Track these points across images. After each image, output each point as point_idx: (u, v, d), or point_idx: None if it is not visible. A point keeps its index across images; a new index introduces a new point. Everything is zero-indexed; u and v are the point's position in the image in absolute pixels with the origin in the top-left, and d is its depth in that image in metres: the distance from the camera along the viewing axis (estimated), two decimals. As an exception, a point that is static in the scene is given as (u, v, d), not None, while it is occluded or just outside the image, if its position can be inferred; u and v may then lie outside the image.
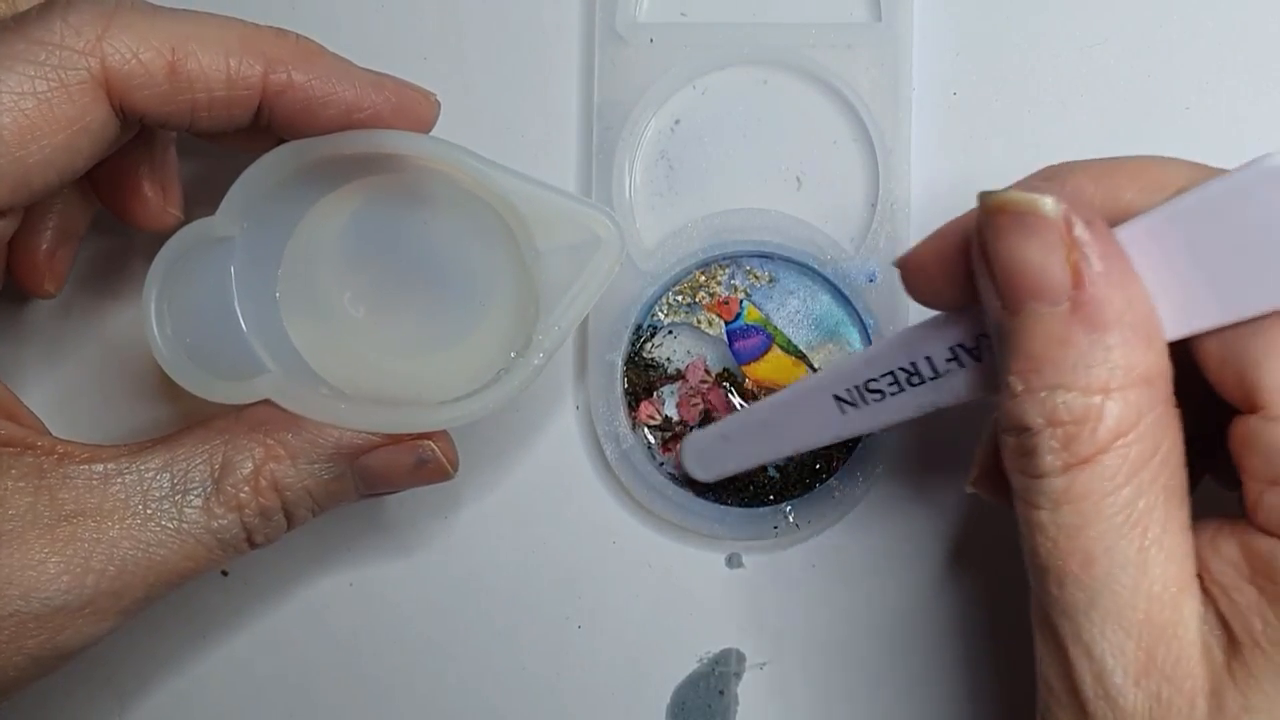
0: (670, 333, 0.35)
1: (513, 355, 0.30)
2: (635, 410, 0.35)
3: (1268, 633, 0.21)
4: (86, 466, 0.27)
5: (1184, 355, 0.23)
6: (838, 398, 0.29)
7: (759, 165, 0.35)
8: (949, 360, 0.26)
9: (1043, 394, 0.21)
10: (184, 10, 0.28)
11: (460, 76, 0.36)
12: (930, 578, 0.35)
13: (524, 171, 0.29)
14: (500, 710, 0.36)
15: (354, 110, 0.29)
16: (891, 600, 0.35)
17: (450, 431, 0.30)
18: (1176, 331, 0.22)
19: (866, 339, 0.34)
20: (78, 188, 0.32)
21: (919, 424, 0.34)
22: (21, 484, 0.27)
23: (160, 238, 0.29)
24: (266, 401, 0.29)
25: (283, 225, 0.31)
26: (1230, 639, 0.21)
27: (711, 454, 0.33)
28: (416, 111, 0.30)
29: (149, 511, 0.27)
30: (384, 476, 0.30)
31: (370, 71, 0.30)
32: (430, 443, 0.30)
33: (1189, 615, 0.22)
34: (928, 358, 0.27)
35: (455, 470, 0.31)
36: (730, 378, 0.35)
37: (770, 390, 0.34)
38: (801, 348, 0.35)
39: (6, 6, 0.31)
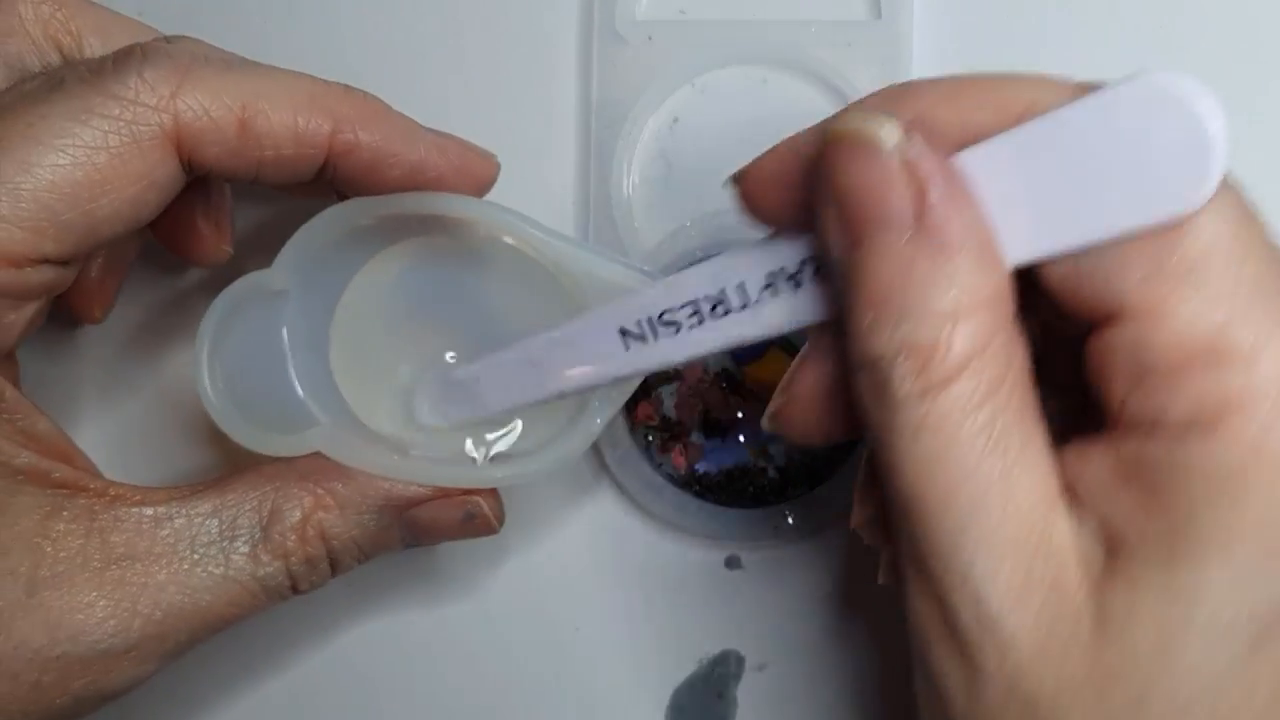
0: (669, 332, 0.35)
1: (565, 418, 0.30)
2: (633, 411, 0.35)
3: (1146, 535, 0.20)
4: (137, 510, 0.28)
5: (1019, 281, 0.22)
6: (624, 331, 0.27)
7: (758, 164, 0.35)
8: (765, 288, 0.25)
9: (891, 324, 0.21)
10: (255, 64, 0.29)
11: (459, 75, 0.36)
12: (931, 579, 0.35)
13: (554, 228, 0.29)
14: (500, 711, 0.36)
15: (417, 172, 0.29)
16: (891, 602, 0.35)
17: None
18: (1024, 256, 0.22)
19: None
20: None
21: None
22: (74, 526, 0.27)
23: (214, 273, 0.29)
24: (318, 452, 0.29)
25: (336, 280, 0.31)
26: (1108, 549, 0.21)
27: (453, 395, 0.31)
28: (477, 173, 0.30)
29: (196, 557, 0.27)
30: (431, 529, 0.30)
31: (434, 132, 0.30)
32: (479, 499, 0.30)
33: (1062, 529, 0.21)
34: (740, 284, 0.25)
35: (501, 525, 0.31)
36: (730, 378, 0.35)
37: (770, 391, 0.34)
38: (800, 347, 0.35)
39: (71, 41, 0.31)
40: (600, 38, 0.35)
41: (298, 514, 0.28)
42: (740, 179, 0.25)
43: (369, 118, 0.29)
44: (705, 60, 0.35)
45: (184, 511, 0.28)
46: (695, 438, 0.35)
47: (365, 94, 0.29)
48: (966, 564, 0.21)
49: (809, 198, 0.23)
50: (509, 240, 0.30)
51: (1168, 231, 0.20)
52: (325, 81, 0.29)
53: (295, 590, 0.29)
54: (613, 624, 0.35)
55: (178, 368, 0.37)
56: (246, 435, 0.29)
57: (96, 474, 0.29)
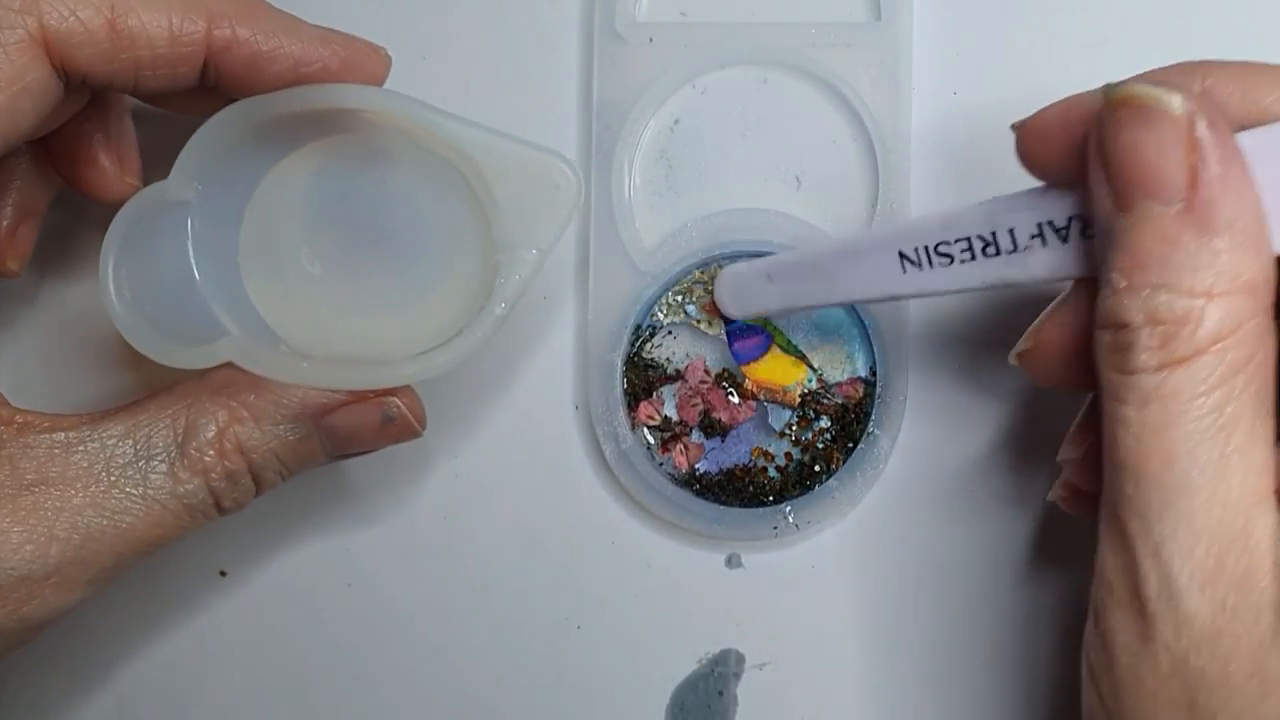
0: (670, 333, 0.35)
1: (480, 310, 0.29)
2: (635, 410, 0.35)
3: None
4: (47, 435, 0.27)
5: None
6: (903, 255, 0.28)
7: (759, 165, 0.35)
8: (1033, 236, 0.26)
9: (1145, 292, 0.21)
10: None
11: (460, 76, 0.36)
12: (930, 578, 0.35)
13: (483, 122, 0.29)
14: (500, 710, 0.36)
15: (301, 65, 0.28)
16: (891, 600, 0.35)
17: (420, 390, 0.30)
18: None
19: (866, 339, 0.34)
20: (35, 163, 0.32)
21: (919, 424, 0.35)
22: None
23: (119, 208, 0.29)
24: (229, 365, 0.28)
25: (240, 188, 0.30)
26: None
27: (750, 290, 0.32)
28: (366, 65, 0.30)
29: (113, 479, 0.27)
30: (351, 436, 0.30)
31: (318, 27, 0.29)
32: (395, 399, 0.29)
33: (1264, 527, 0.21)
34: (1010, 230, 0.26)
35: (423, 428, 0.30)
36: (730, 378, 0.35)
37: (770, 392, 0.34)
38: (801, 348, 0.35)
39: None
40: (601, 39, 0.35)
41: (213, 429, 0.28)
42: (1020, 128, 0.26)
43: (245, 12, 0.28)
44: (706, 61, 0.35)
45: (96, 435, 0.28)
46: (695, 437, 0.35)
47: None
48: (1165, 535, 0.21)
49: (1084, 155, 0.23)
50: (402, 126, 0.29)
51: None
52: None
53: (220, 508, 0.29)
54: (613, 623, 0.35)
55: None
56: (156, 348, 0.28)
57: (3, 402, 0.29)
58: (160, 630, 0.36)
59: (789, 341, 0.35)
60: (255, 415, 0.28)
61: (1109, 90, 0.22)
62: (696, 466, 0.35)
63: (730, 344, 0.35)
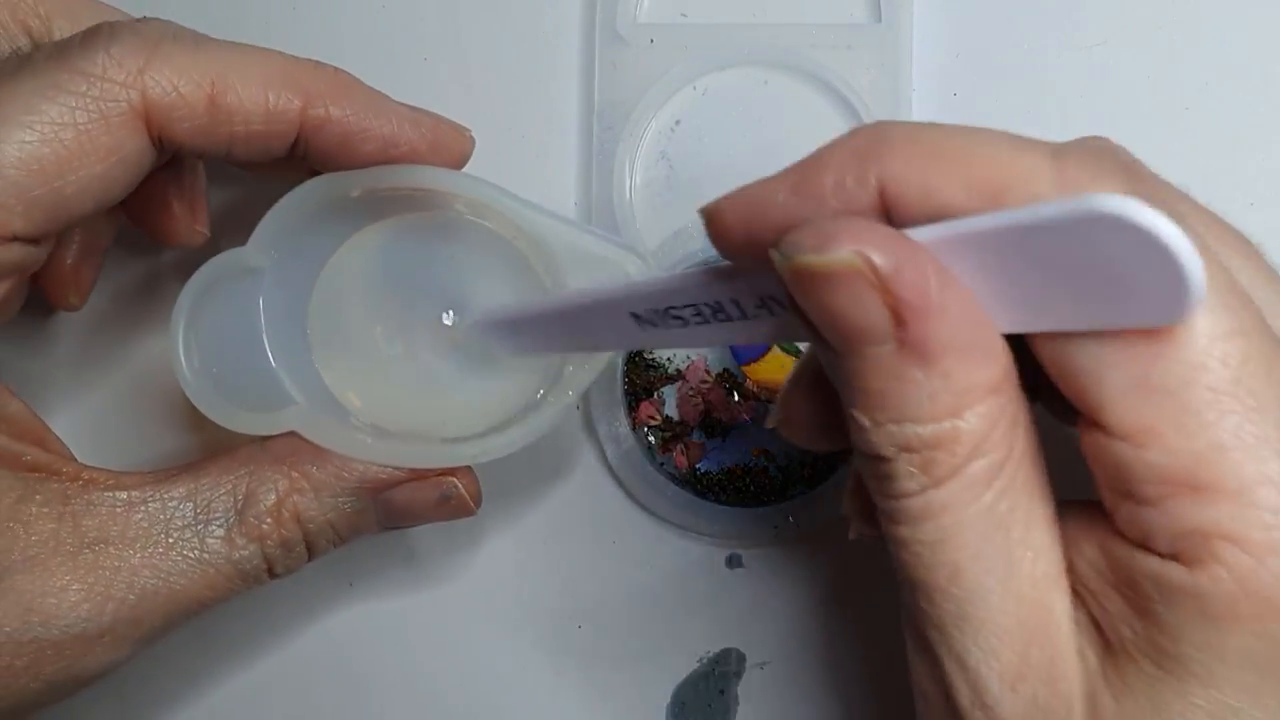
0: (670, 333, 0.35)
1: (539, 394, 0.30)
2: (635, 410, 0.35)
3: (1137, 643, 0.20)
4: (111, 494, 0.28)
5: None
6: (635, 315, 0.27)
7: (759, 165, 0.35)
8: (758, 307, 0.24)
9: (891, 427, 0.21)
10: (225, 42, 0.28)
11: (460, 77, 0.36)
12: (930, 578, 0.35)
13: (548, 207, 0.29)
14: (501, 710, 0.36)
15: (390, 146, 0.29)
16: (891, 600, 0.35)
17: (475, 468, 0.30)
18: (1007, 328, 0.21)
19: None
20: None
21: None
22: (46, 510, 0.27)
23: (189, 257, 0.29)
24: (292, 434, 0.29)
25: (313, 258, 0.31)
26: (1103, 644, 0.21)
27: (505, 332, 0.31)
28: (452, 148, 0.30)
29: (171, 540, 0.27)
30: (407, 511, 0.30)
31: (407, 106, 0.30)
32: (454, 479, 0.30)
33: (1060, 616, 0.21)
34: (735, 301, 0.25)
35: (478, 506, 0.31)
36: (730, 378, 0.35)
37: (772, 392, 0.34)
38: (801, 348, 0.35)
39: (40, 24, 0.31)
40: (602, 40, 0.35)
41: (273, 497, 0.28)
42: (710, 217, 0.24)
43: (340, 92, 0.28)
44: (707, 62, 0.35)
45: (158, 495, 0.28)
46: (696, 437, 0.35)
47: (336, 69, 0.29)
48: (967, 645, 0.21)
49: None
50: (486, 212, 0.30)
51: (1150, 342, 0.19)
52: (296, 57, 0.29)
53: (271, 574, 0.29)
54: (615, 622, 0.35)
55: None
56: (222, 413, 0.28)
57: (70, 458, 0.29)
58: (162, 629, 0.36)
59: (789, 341, 0.35)
60: (315, 486, 0.29)
61: (780, 262, 0.21)
62: (697, 466, 0.35)
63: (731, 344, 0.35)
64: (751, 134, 0.35)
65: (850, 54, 0.35)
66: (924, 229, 0.20)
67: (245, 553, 0.28)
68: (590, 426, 0.35)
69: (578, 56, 0.36)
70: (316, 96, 0.28)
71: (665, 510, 0.35)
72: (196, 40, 0.28)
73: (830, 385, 0.23)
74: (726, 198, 0.24)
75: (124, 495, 0.28)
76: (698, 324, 0.26)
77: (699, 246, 0.35)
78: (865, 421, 0.21)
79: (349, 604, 0.36)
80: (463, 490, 0.30)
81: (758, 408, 0.35)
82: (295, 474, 0.29)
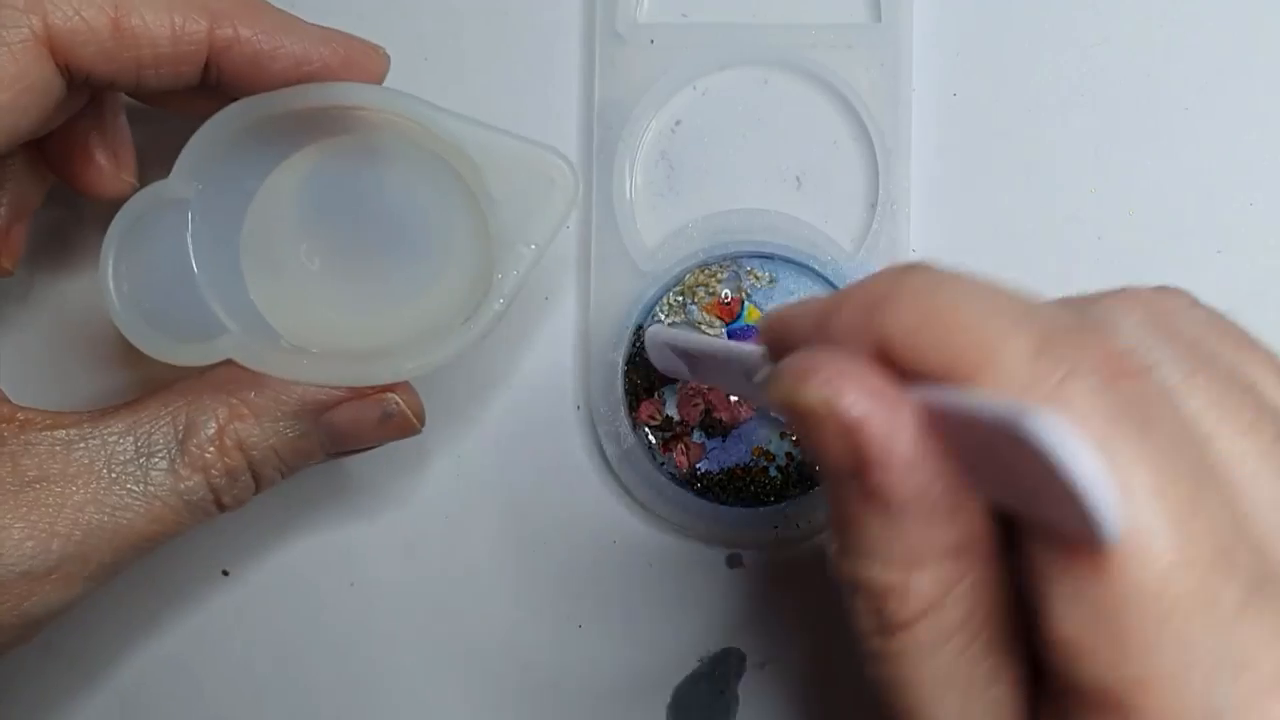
0: (671, 333, 0.35)
1: (478, 305, 0.30)
2: (636, 410, 0.35)
3: None
4: (49, 433, 0.27)
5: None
6: None
7: (759, 165, 0.35)
8: None
9: (851, 560, 0.20)
10: None
11: (460, 77, 0.36)
12: (930, 577, 0.35)
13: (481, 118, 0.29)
14: (501, 709, 0.36)
15: (302, 63, 0.29)
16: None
17: (418, 387, 0.30)
18: (981, 496, 0.20)
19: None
20: (28, 162, 0.32)
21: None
22: None
23: (115, 206, 0.29)
24: (229, 362, 0.29)
25: (241, 187, 0.31)
26: None
27: (665, 356, 0.32)
28: (366, 64, 0.30)
29: (114, 475, 0.27)
30: (350, 432, 0.30)
31: (318, 26, 0.30)
32: (394, 395, 0.30)
33: None
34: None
35: (422, 424, 0.31)
36: (731, 378, 0.35)
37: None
38: (802, 348, 0.35)
39: None
40: (602, 40, 0.35)
41: (213, 425, 0.28)
42: (759, 325, 0.25)
43: (248, 11, 0.28)
44: (707, 62, 0.35)
45: (97, 432, 0.28)
46: (697, 437, 0.35)
47: None
48: None
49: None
50: (399, 124, 0.30)
51: (1089, 556, 0.18)
52: None
53: (219, 504, 0.29)
54: (615, 621, 0.35)
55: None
56: (155, 345, 0.28)
57: (4, 399, 0.29)
58: (163, 628, 0.36)
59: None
60: (256, 412, 0.29)
61: (767, 386, 0.21)
62: (698, 466, 0.35)
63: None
64: (751, 134, 0.35)
65: (850, 54, 0.35)
66: (917, 389, 0.20)
67: (190, 483, 0.28)
68: (590, 426, 0.35)
69: (578, 56, 0.36)
70: (223, 16, 0.28)
71: (665, 510, 0.35)
72: None
73: None
74: (773, 311, 0.24)
75: (62, 434, 0.27)
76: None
77: (699, 246, 0.35)
78: (834, 545, 0.21)
79: (348, 603, 0.36)
80: (404, 406, 0.30)
81: (758, 408, 0.35)
82: (234, 400, 0.28)
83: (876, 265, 0.34)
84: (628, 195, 0.35)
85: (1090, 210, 0.35)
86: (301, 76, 0.29)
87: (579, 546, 0.35)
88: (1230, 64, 0.35)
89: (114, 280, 0.28)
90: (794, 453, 0.35)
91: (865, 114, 0.35)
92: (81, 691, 0.36)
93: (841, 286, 0.34)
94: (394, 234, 0.31)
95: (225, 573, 0.36)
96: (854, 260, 0.34)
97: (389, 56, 0.31)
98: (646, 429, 0.35)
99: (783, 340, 0.23)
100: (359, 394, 0.29)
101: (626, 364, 0.35)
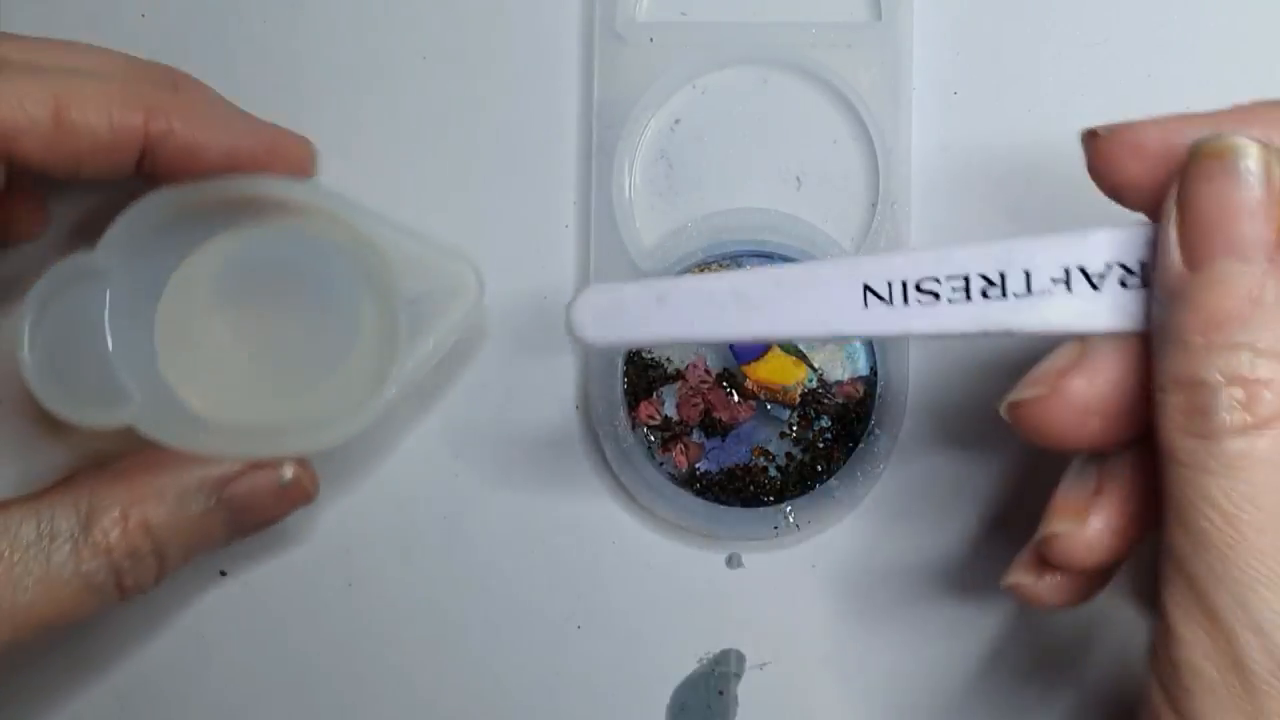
0: (670, 332, 0.35)
1: (362, 386, 0.32)
2: (635, 410, 0.35)
3: None
4: None
5: None
6: (869, 288, 0.23)
7: (759, 165, 0.35)
8: (1056, 280, 0.23)
9: (1227, 351, 0.20)
10: (68, 49, 0.30)
11: (460, 76, 0.36)
12: (930, 578, 0.35)
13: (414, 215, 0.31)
14: (500, 710, 0.36)
15: (231, 155, 0.31)
16: (891, 601, 0.35)
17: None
18: None
19: (866, 339, 0.34)
20: None
21: (919, 424, 0.35)
22: None
23: (37, 262, 0.30)
24: (133, 452, 0.30)
25: (163, 264, 0.32)
26: None
27: (627, 312, 0.26)
28: (293, 157, 0.32)
29: (15, 558, 0.28)
30: (249, 504, 0.31)
31: (250, 117, 0.32)
32: (288, 463, 0.31)
33: None
34: (1026, 271, 0.23)
35: (316, 493, 0.32)
36: (730, 377, 0.35)
37: (770, 391, 0.34)
38: (801, 348, 0.35)
39: None
40: (601, 39, 0.35)
41: (116, 509, 0.29)
42: (1107, 138, 0.24)
43: (181, 106, 0.30)
44: (706, 61, 0.35)
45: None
46: (696, 437, 0.35)
47: (184, 78, 0.31)
48: (1266, 612, 0.20)
49: (1158, 193, 0.22)
50: (327, 219, 0.31)
51: None
52: (143, 64, 0.30)
53: (121, 587, 0.29)
54: (614, 622, 0.35)
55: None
56: (62, 405, 0.30)
57: None
58: (160, 630, 0.36)
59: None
60: (158, 493, 0.30)
61: (1197, 144, 0.21)
62: (697, 466, 0.35)
63: (731, 344, 0.35)
64: (751, 133, 0.35)
65: (850, 53, 0.35)
66: None
67: (92, 565, 0.29)
68: (590, 426, 0.35)
69: (577, 56, 0.36)
70: (158, 110, 0.29)
71: (665, 510, 0.35)
72: (40, 52, 0.29)
73: (1118, 372, 0.23)
74: (1139, 123, 0.24)
75: None
76: (953, 302, 0.23)
77: (699, 246, 0.35)
78: (1198, 340, 0.21)
79: (347, 604, 0.36)
80: (299, 475, 0.31)
81: (758, 408, 0.35)
82: (136, 484, 0.30)
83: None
84: (627, 194, 0.35)
85: (1090, 210, 0.35)
86: (231, 167, 0.31)
87: (578, 547, 0.35)
88: (1230, 64, 0.35)
89: (29, 340, 0.30)
90: (794, 452, 0.35)
91: (865, 113, 0.34)
92: (78, 692, 0.36)
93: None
94: (306, 318, 0.33)
95: (223, 573, 0.36)
96: (854, 260, 0.34)
97: (316, 150, 0.33)
98: (645, 429, 0.35)
99: (1169, 149, 0.23)
100: (256, 464, 0.31)
101: (626, 364, 0.35)
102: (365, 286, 0.32)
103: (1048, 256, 0.23)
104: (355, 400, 0.31)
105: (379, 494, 0.36)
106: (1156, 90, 0.35)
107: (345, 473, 0.36)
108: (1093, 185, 0.35)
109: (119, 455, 0.30)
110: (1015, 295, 0.23)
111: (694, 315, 0.25)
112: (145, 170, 0.30)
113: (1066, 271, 0.23)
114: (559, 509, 0.35)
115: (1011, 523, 0.35)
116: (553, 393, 0.36)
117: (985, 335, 0.24)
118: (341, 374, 0.32)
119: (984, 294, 0.23)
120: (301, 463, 0.31)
